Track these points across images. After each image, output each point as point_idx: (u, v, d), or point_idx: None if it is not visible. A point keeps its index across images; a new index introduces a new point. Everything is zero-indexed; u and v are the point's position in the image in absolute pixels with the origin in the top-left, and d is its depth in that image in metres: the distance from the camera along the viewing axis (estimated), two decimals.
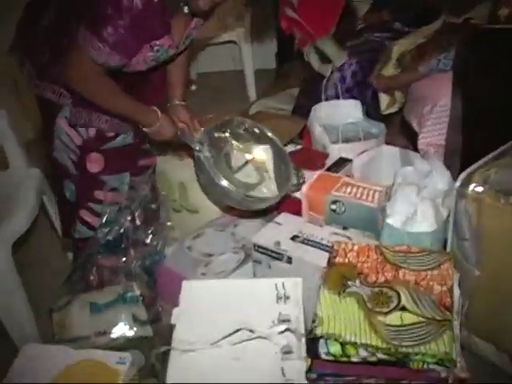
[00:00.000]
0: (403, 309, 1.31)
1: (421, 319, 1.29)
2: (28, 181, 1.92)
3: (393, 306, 1.32)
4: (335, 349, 1.25)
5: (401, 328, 1.28)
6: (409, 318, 1.30)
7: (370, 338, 1.26)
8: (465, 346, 1.61)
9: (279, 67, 3.68)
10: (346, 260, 1.45)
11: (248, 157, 1.96)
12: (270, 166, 1.95)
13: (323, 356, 1.26)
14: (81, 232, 1.88)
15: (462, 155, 1.77)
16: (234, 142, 1.95)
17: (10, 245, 1.69)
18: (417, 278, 1.39)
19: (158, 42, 1.59)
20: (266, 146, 1.96)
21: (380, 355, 1.24)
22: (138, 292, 1.72)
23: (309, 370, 1.29)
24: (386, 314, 1.30)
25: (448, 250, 1.59)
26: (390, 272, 1.40)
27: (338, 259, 1.46)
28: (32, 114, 1.93)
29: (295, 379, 1.31)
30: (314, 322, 1.32)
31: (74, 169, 1.79)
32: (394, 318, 1.30)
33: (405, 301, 1.33)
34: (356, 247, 1.49)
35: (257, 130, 1.95)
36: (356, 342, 1.25)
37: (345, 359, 1.25)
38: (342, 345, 1.26)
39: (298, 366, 1.33)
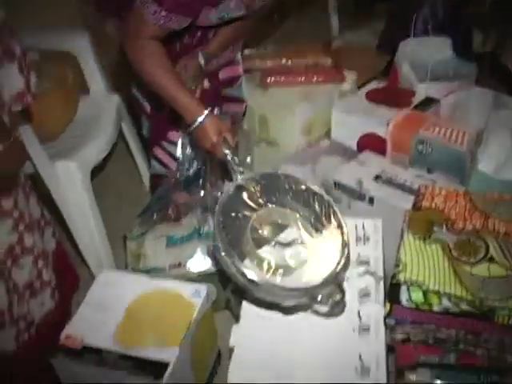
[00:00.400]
0: (491, 260, 1.25)
1: (509, 272, 1.23)
2: (108, 106, 1.90)
3: (480, 256, 1.26)
4: (417, 296, 1.21)
5: (487, 280, 1.22)
6: (497, 270, 1.24)
7: (454, 287, 1.22)
8: None
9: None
10: (433, 204, 1.39)
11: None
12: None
13: (404, 303, 1.22)
14: (155, 168, 1.87)
15: None
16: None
17: (90, 169, 1.69)
18: (508, 228, 1.32)
19: (220, 2, 1.47)
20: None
21: (464, 306, 1.20)
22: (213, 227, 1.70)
23: (387, 316, 1.25)
24: (473, 264, 1.25)
25: None
26: (478, 220, 1.33)
27: (425, 203, 1.40)
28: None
29: (371, 323, 1.29)
30: (397, 266, 1.27)
31: (150, 108, 1.77)
32: (481, 269, 1.24)
33: (493, 252, 1.27)
34: (444, 192, 1.42)
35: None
36: (439, 291, 1.20)
37: (426, 308, 1.21)
38: (425, 293, 1.21)
39: (375, 310, 1.30)
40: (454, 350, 1.26)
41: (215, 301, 1.42)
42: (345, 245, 1.29)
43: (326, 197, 1.37)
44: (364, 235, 1.48)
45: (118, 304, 1.32)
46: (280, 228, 1.34)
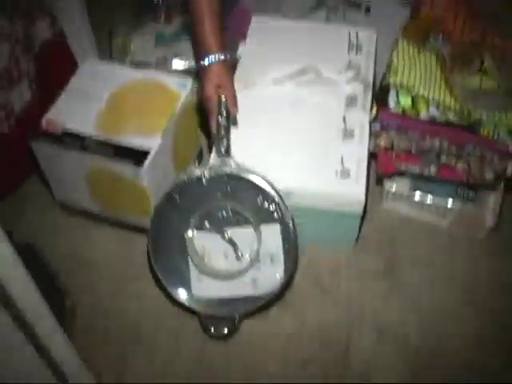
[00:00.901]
0: (484, 73, 1.22)
1: (501, 87, 1.21)
2: None
3: (474, 68, 1.22)
4: (406, 101, 1.19)
5: (478, 92, 1.20)
6: (489, 83, 1.21)
7: (444, 95, 1.20)
8: None
9: None
10: (431, 13, 1.32)
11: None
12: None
13: (392, 107, 1.20)
14: None
15: None
16: None
17: None
18: (505, 44, 1.27)
19: None
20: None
21: (451, 116, 1.18)
22: None
23: (373, 120, 1.24)
24: (466, 75, 1.22)
25: None
26: (476, 33, 1.28)
27: (423, 10, 1.33)
28: None
29: (356, 129, 1.28)
30: (388, 68, 1.24)
31: None
32: (473, 81, 1.22)
33: (487, 65, 1.23)
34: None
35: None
36: (428, 98, 1.18)
37: (413, 113, 1.19)
38: (414, 99, 1.19)
39: (361, 115, 1.29)
40: (435, 161, 1.27)
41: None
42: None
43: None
44: (357, 44, 1.44)
45: (101, 92, 1.29)
46: None
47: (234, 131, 1.21)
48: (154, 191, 1.24)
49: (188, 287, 1.18)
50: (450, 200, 1.36)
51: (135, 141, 1.20)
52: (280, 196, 1.11)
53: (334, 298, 1.28)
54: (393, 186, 1.39)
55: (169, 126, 1.24)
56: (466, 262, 1.34)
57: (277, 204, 1.11)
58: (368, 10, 1.57)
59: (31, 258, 1.23)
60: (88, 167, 1.23)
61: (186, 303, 1.18)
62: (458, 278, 1.32)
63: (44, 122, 1.24)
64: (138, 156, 1.18)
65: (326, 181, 1.21)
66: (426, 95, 1.18)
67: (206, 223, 1.17)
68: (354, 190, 1.19)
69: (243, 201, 1.14)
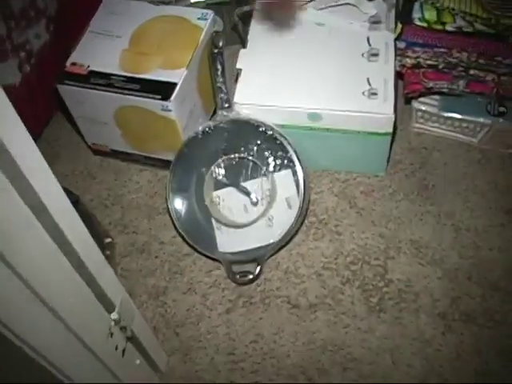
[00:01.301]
0: None
1: None
2: None
3: None
4: (430, 14, 1.17)
5: None
6: None
7: (470, 6, 1.17)
8: None
9: None
10: None
11: None
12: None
13: (416, 22, 1.19)
14: None
15: None
16: None
17: None
18: None
19: None
20: None
21: (478, 26, 1.16)
22: None
23: (398, 38, 1.22)
24: None
25: None
26: None
27: None
28: None
29: (381, 48, 1.26)
30: None
31: None
32: None
33: None
34: None
35: None
36: (454, 8, 1.16)
37: (439, 27, 1.17)
38: (439, 11, 1.17)
39: (385, 35, 1.28)
40: (464, 75, 1.25)
41: (223, 31, 1.38)
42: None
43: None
44: None
45: (123, 31, 1.29)
46: None
47: (258, 59, 1.22)
48: (184, 125, 1.25)
49: (212, 240, 1.23)
50: (481, 117, 1.34)
51: (161, 75, 1.21)
52: (287, 139, 1.20)
53: (370, 218, 1.29)
54: (422, 106, 1.37)
55: (193, 58, 1.23)
56: (500, 177, 1.33)
57: (284, 148, 1.21)
58: None
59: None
60: (117, 106, 1.23)
61: (212, 255, 1.24)
62: (491, 193, 1.31)
63: (68, 63, 1.25)
64: (165, 89, 1.19)
65: (354, 101, 1.20)
66: (451, 6, 1.16)
67: (221, 176, 1.24)
68: (382, 109, 1.19)
69: (252, 150, 1.23)
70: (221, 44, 1.26)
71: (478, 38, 1.17)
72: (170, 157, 1.27)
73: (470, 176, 1.34)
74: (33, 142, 0.58)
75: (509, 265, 1.21)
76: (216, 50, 1.26)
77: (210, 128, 1.23)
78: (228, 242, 1.23)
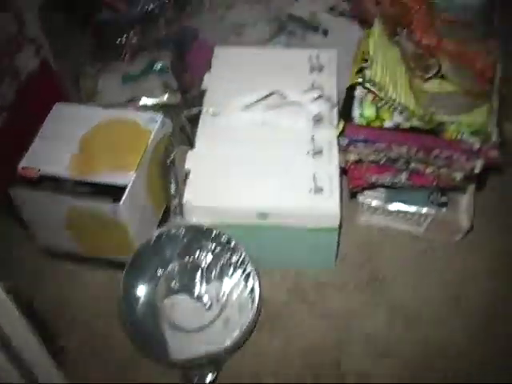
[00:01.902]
0: (442, 77, 1.27)
1: (459, 89, 1.25)
2: None
3: (432, 72, 1.27)
4: (369, 111, 1.22)
5: (438, 96, 1.24)
6: (447, 86, 1.26)
7: (409, 100, 1.22)
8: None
9: None
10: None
11: None
12: None
13: (356, 120, 1.23)
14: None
15: None
16: None
17: None
18: (459, 49, 1.32)
19: None
20: None
21: (415, 122, 1.21)
22: (168, 61, 1.69)
23: (340, 135, 1.27)
24: (425, 79, 1.26)
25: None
26: (434, 38, 1.32)
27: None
28: None
29: (325, 146, 1.31)
30: (364, 61, 1.26)
31: None
32: (432, 86, 1.26)
33: (445, 70, 1.28)
34: None
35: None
36: (395, 100, 1.20)
37: (378, 124, 1.22)
38: (377, 108, 1.22)
39: (328, 133, 1.32)
40: (405, 169, 1.30)
41: (172, 132, 1.42)
42: None
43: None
44: (318, 65, 1.48)
45: (72, 135, 1.31)
46: None
47: (206, 160, 1.25)
48: (133, 227, 1.26)
49: (164, 346, 1.21)
50: (424, 207, 1.38)
51: (110, 178, 1.23)
52: (238, 244, 1.24)
53: (322, 311, 1.30)
54: (367, 200, 1.41)
55: (142, 160, 1.26)
56: (445, 265, 1.37)
57: (237, 252, 1.25)
58: (326, 32, 1.62)
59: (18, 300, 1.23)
60: (66, 208, 1.24)
61: (165, 365, 1.22)
62: (439, 282, 1.34)
63: (19, 168, 1.26)
64: (114, 192, 1.20)
65: (300, 198, 1.23)
66: (394, 97, 1.20)
67: (174, 281, 1.27)
68: (328, 205, 1.22)
69: (205, 255, 1.28)
70: (173, 155, 1.30)
71: (415, 134, 1.22)
72: (122, 259, 1.27)
73: (417, 265, 1.38)
74: None
75: (459, 352, 1.22)
76: (169, 162, 1.29)
77: (163, 234, 1.26)
78: (181, 347, 1.21)
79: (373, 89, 1.21)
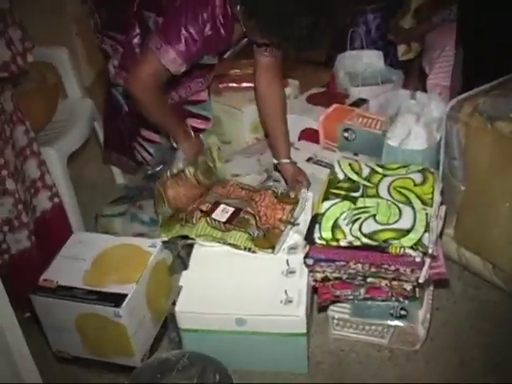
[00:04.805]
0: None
1: None
2: (82, 108, 2.20)
3: None
4: (326, 233, 1.49)
5: None
6: None
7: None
8: (455, 259, 1.83)
9: None
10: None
11: None
12: None
13: (317, 241, 1.49)
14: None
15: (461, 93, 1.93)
16: None
17: (66, 156, 1.97)
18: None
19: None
20: None
21: (364, 239, 1.46)
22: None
23: (306, 256, 1.52)
24: None
25: (440, 169, 1.79)
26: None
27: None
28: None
29: (297, 267, 1.58)
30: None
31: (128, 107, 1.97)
32: None
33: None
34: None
35: None
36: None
37: (335, 243, 1.48)
38: (333, 229, 1.49)
39: (300, 258, 1.58)
40: (363, 284, 1.53)
41: (171, 265, 1.71)
42: None
43: None
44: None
45: (87, 255, 1.58)
46: None
47: (196, 278, 1.55)
48: (133, 332, 1.50)
49: None
50: (386, 320, 1.60)
51: (115, 288, 1.48)
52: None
53: None
54: (336, 314, 1.63)
55: (143, 275, 1.52)
56: (406, 372, 1.57)
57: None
58: None
59: None
60: (77, 313, 1.49)
61: None
62: None
63: (41, 280, 1.53)
64: (117, 299, 1.46)
65: (273, 308, 1.48)
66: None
67: None
68: (296, 312, 1.47)
69: None
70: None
71: (365, 251, 1.47)
72: (122, 361, 1.49)
73: (381, 372, 1.57)
74: None
75: None
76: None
77: (161, 360, 1.49)
78: None
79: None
